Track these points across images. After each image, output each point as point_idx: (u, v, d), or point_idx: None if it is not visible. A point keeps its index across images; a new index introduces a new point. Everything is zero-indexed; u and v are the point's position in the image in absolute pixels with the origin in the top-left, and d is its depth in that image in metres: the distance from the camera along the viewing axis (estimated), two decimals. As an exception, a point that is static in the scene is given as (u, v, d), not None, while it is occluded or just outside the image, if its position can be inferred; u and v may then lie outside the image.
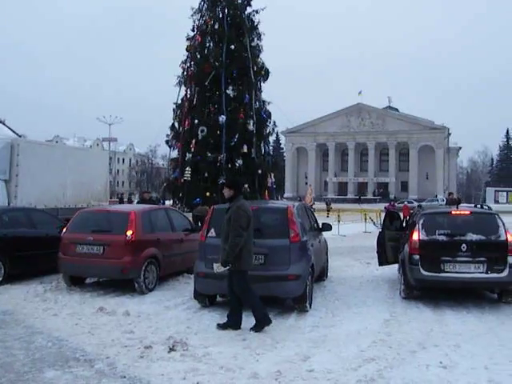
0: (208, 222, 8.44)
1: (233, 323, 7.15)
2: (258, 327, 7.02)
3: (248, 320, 7.22)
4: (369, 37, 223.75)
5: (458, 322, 7.72)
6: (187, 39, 28.85)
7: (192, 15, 28.86)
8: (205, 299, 8.47)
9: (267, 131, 22.66)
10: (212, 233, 8.23)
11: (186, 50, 28.44)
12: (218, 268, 7.08)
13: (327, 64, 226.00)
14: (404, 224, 10.94)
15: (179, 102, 28.50)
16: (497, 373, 5.51)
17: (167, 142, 29.34)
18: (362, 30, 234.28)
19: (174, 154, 29.53)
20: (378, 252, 10.82)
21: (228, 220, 7.02)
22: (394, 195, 78.45)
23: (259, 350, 6.20)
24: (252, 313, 7.18)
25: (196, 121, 26.45)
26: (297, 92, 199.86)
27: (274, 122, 23.51)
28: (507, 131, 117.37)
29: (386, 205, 31.10)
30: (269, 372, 5.46)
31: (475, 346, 6.47)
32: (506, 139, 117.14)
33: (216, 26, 26.53)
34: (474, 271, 8.48)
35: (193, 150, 26.06)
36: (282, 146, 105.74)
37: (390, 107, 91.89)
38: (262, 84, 25.89)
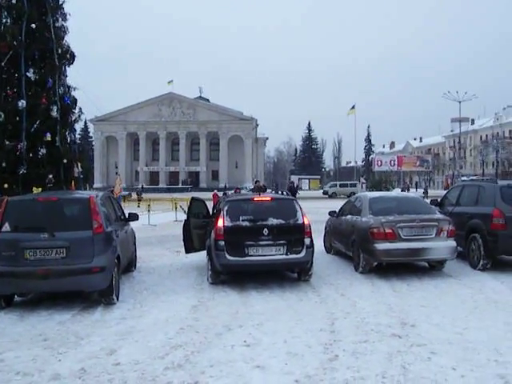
0: (1, 216, 7.72)
1: None
2: None
3: (53, 318, 6.80)
4: (184, 29, 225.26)
5: (262, 302, 8.13)
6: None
7: (-17, -16, 26.20)
8: (0, 300, 7.77)
9: (73, 118, 21.41)
10: (6, 227, 7.55)
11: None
12: None
13: (141, 52, 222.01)
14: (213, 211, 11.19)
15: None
16: (294, 344, 5.94)
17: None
18: (177, 18, 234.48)
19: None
20: (184, 240, 10.94)
21: None
22: (206, 184, 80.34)
23: (62, 349, 5.89)
24: None
25: (-9, 106, 24.17)
26: (108, 79, 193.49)
27: (81, 109, 22.30)
28: (309, 123, 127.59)
29: (212, 193, 31.76)
30: (72, 371, 5.23)
31: (277, 322, 6.90)
32: (307, 131, 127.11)
33: (14, 1, 24.31)
34: (275, 253, 8.98)
35: (-13, 137, 23.78)
36: (90, 134, 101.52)
37: (201, 97, 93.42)
38: (67, 68, 24.48)
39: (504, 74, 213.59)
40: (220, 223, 9.01)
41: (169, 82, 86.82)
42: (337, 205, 14.72)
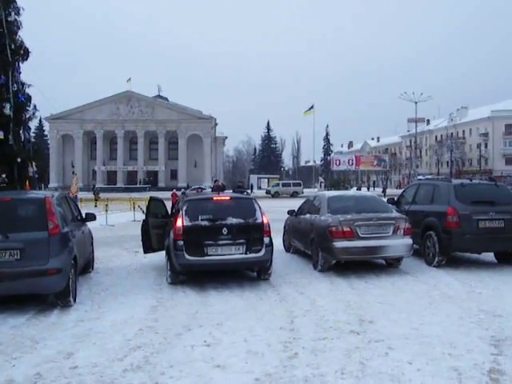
0: None
1: None
2: None
3: (7, 322, 6.60)
4: (140, 29, 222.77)
5: (222, 301, 8.11)
6: None
7: None
8: None
9: (27, 116, 20.92)
10: None
11: None
12: None
13: (96, 50, 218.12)
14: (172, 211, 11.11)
15: None
16: (254, 343, 5.96)
17: None
18: (133, 20, 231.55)
19: None
20: (142, 240, 10.83)
21: None
22: (165, 183, 79.68)
23: (16, 354, 5.73)
24: None
25: None
26: (65, 77, 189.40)
27: (35, 106, 21.81)
28: (268, 123, 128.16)
29: (171, 192, 31.65)
30: (27, 376, 5.09)
31: (236, 322, 6.89)
32: (267, 130, 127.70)
33: (-37, -6, 23.53)
34: (234, 253, 8.98)
35: None
36: (46, 133, 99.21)
37: (159, 96, 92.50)
38: (20, 64, 23.75)
39: (458, 76, 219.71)
40: (179, 223, 8.95)
41: (127, 80, 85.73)
42: (281, 204, 14.83)
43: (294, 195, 56.81)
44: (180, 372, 5.13)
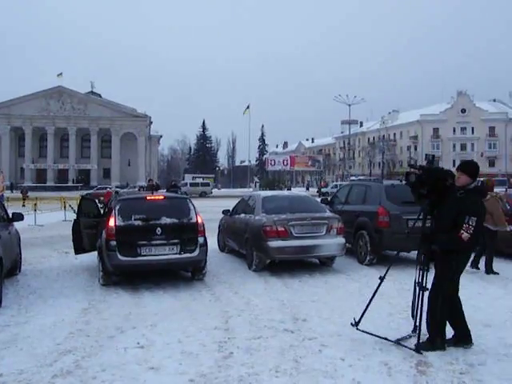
0: None
1: None
2: None
3: None
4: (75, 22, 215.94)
5: (155, 302, 8.01)
6: None
7: None
8: None
9: None
10: None
11: None
12: None
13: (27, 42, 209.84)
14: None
15: None
16: (189, 344, 5.91)
17: None
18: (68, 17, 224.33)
19: None
20: (73, 240, 10.52)
21: None
22: (98, 182, 77.74)
23: None
24: None
25: None
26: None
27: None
28: (203, 122, 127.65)
29: (105, 191, 31.12)
30: None
31: (170, 322, 6.82)
32: (202, 129, 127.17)
33: None
34: (168, 253, 8.89)
35: None
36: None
37: (92, 92, 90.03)
38: None
39: (390, 80, 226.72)
40: (111, 222, 8.76)
41: (58, 75, 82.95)
42: (216, 204, 14.82)
43: (203, 195, 56.75)
44: (112, 375, 5.00)
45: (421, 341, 5.52)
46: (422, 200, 5.66)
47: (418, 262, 5.81)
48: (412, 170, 5.80)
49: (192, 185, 61.30)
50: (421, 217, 5.72)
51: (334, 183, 67.05)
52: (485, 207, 5.73)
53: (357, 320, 5.87)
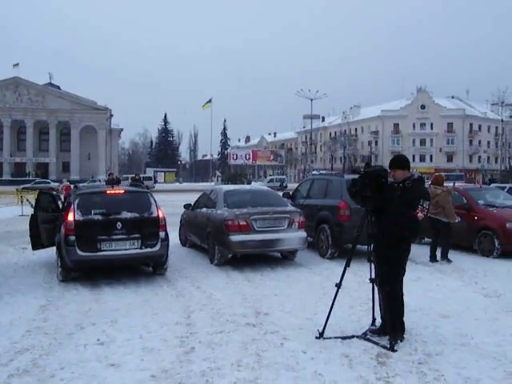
0: None
1: None
2: None
3: None
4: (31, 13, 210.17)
5: (116, 297, 7.91)
6: None
7: None
8: None
9: None
10: None
11: None
12: None
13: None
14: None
15: None
16: (150, 340, 5.85)
17: None
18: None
19: None
20: (31, 235, 10.27)
21: None
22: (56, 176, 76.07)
23: None
24: None
25: None
26: None
27: None
28: (165, 115, 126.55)
29: (62, 185, 30.43)
30: None
31: (131, 318, 6.74)
32: (164, 123, 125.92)
33: None
34: (129, 248, 8.78)
35: None
36: None
37: (51, 84, 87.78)
38: None
39: (352, 76, 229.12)
40: (70, 217, 8.58)
41: (14, 65, 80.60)
42: (178, 198, 14.75)
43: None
44: (72, 374, 4.91)
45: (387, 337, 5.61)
46: (367, 202, 5.81)
47: (369, 258, 5.94)
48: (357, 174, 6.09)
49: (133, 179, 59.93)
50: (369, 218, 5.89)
51: (271, 177, 67.57)
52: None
53: (320, 331, 5.86)
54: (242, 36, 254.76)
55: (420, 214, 5.52)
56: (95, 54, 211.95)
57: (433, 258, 10.84)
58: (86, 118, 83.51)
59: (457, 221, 11.00)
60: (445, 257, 10.85)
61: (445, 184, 11.40)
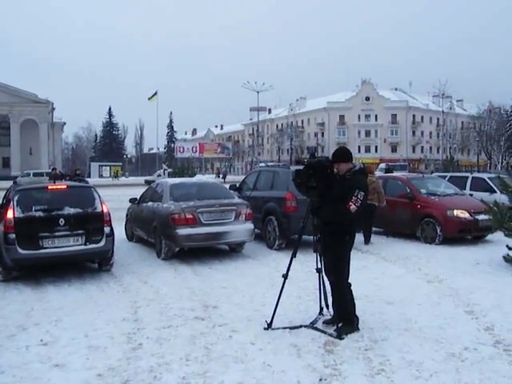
0: None
1: None
2: None
3: None
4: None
5: (60, 296, 7.71)
6: None
7: None
8: None
9: None
10: None
11: None
12: None
13: None
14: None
15: None
16: (96, 337, 5.74)
17: None
18: None
19: None
20: None
21: None
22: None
23: None
24: None
25: None
26: None
27: None
28: (110, 108, 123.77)
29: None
30: None
31: (76, 317, 6.60)
32: (108, 116, 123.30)
33: None
34: (73, 244, 8.55)
35: None
36: None
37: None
38: None
39: (297, 68, 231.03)
40: (9, 214, 8.27)
41: None
42: (123, 192, 14.52)
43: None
44: (13, 377, 4.75)
45: (339, 325, 5.69)
46: (311, 192, 5.86)
47: (315, 248, 5.99)
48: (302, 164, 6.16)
49: (36, 174, 56.40)
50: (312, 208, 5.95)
51: (159, 171, 62.06)
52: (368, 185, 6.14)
53: (269, 322, 5.89)
54: (191, 29, 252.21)
55: (353, 206, 5.50)
56: (36, 48, 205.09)
57: (367, 240, 11.94)
58: (27, 112, 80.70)
59: (384, 204, 12.07)
60: (368, 241, 11.99)
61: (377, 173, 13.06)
